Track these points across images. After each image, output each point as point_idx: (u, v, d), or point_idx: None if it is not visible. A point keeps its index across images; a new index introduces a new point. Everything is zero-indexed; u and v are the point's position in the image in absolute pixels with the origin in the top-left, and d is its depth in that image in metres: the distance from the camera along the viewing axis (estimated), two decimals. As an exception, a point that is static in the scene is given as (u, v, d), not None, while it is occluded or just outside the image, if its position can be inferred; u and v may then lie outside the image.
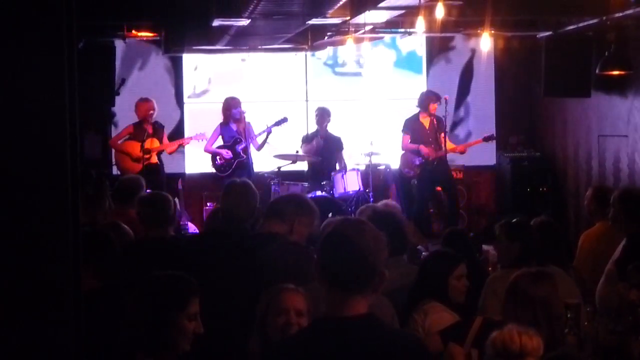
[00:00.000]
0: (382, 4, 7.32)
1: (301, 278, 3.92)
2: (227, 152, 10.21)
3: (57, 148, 2.33)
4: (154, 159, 10.17)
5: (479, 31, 9.27)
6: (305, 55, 11.60)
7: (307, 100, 11.85)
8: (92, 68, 9.29)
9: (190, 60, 11.63)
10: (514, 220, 5.47)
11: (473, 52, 11.89)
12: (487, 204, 12.00)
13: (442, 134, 10.37)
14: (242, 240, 4.88)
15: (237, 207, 4.99)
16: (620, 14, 8.54)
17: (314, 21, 8.03)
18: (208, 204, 10.96)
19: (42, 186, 2.32)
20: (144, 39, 10.56)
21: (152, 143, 10.07)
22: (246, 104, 10.42)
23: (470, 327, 4.02)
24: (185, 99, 11.71)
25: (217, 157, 10.33)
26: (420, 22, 7.51)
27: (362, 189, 10.41)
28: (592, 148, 10.43)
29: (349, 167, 10.67)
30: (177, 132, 11.37)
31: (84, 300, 2.38)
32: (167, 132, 10.67)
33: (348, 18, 8.24)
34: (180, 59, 11.52)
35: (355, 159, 10.96)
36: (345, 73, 12.18)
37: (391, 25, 9.90)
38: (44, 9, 2.32)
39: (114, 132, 10.99)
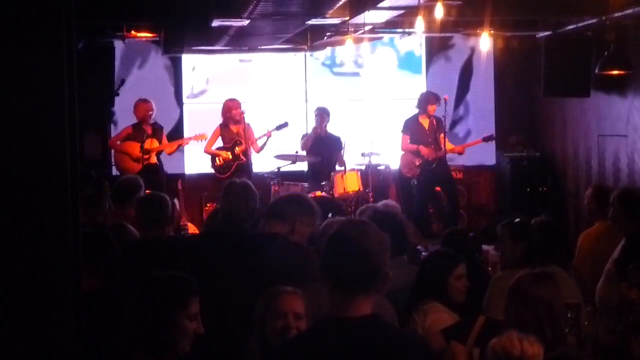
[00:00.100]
0: (381, 4, 7.33)
1: (302, 278, 3.92)
2: (226, 154, 10.23)
3: (57, 148, 2.33)
4: (154, 159, 10.17)
5: (478, 31, 9.27)
6: (305, 55, 11.60)
7: (306, 101, 11.85)
8: (92, 68, 9.29)
9: (189, 61, 11.63)
10: (515, 220, 5.47)
11: (472, 51, 11.89)
12: (487, 204, 12.00)
13: (442, 135, 10.37)
14: (242, 241, 4.87)
15: (236, 208, 4.99)
16: (620, 14, 8.54)
17: (314, 21, 8.03)
18: (208, 205, 10.96)
19: (41, 186, 2.32)
20: (144, 39, 10.56)
21: (152, 143, 10.07)
22: (245, 105, 10.41)
23: (473, 326, 4.03)
24: (184, 100, 11.70)
25: (217, 158, 10.33)
26: (420, 22, 7.51)
27: (361, 189, 10.40)
28: (592, 148, 10.44)
29: (348, 168, 10.66)
30: (177, 133, 11.36)
31: (84, 300, 2.38)
32: (166, 132, 10.66)
33: (347, 18, 8.24)
34: (180, 59, 11.52)
35: (354, 159, 10.96)
36: (345, 73, 12.18)
37: (390, 26, 9.91)
38: (43, 9, 2.32)
39: (114, 133, 10.98)
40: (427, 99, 10.39)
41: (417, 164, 10.45)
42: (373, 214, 5.27)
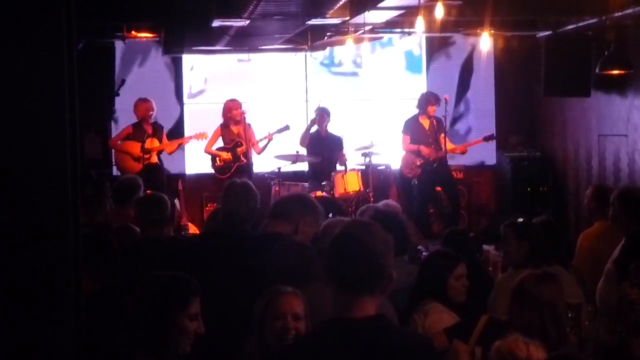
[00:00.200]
0: (381, 4, 7.32)
1: (307, 278, 3.93)
2: (227, 154, 10.23)
3: (57, 148, 2.33)
4: (154, 159, 10.17)
5: (478, 31, 9.27)
6: (305, 55, 11.60)
7: (307, 101, 11.84)
8: (92, 69, 9.29)
9: (189, 61, 11.62)
10: (519, 220, 5.48)
11: (472, 51, 11.89)
12: (488, 203, 11.99)
13: (442, 135, 10.38)
14: (244, 241, 4.87)
15: (237, 208, 4.98)
16: (620, 14, 8.54)
17: (314, 21, 8.03)
18: (208, 205, 10.96)
19: (42, 187, 2.32)
20: (144, 39, 10.56)
21: (152, 143, 10.07)
22: (245, 105, 10.41)
23: (475, 325, 4.03)
24: (185, 99, 11.70)
25: (217, 159, 10.33)
26: (420, 22, 7.51)
27: (362, 189, 10.40)
28: (592, 147, 10.43)
29: (349, 168, 10.66)
30: (177, 132, 11.36)
31: (84, 301, 2.38)
32: (167, 132, 10.67)
33: (347, 18, 8.24)
34: (180, 59, 11.52)
35: (355, 159, 10.96)
36: (345, 73, 12.18)
37: (391, 26, 9.90)
38: (43, 10, 2.32)
39: (114, 133, 10.97)
40: (427, 100, 10.39)
41: (418, 164, 10.45)
42: (374, 213, 5.27)
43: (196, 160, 11.29)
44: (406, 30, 10.17)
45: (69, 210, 2.33)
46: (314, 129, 10.91)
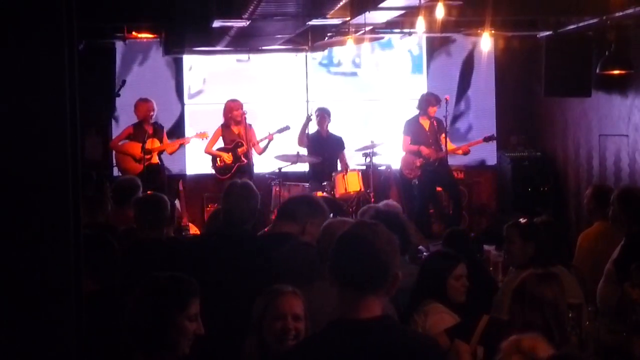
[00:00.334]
0: (382, 5, 7.32)
1: (314, 278, 3.94)
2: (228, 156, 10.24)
3: (58, 149, 2.33)
4: (155, 159, 10.18)
5: (479, 31, 9.27)
6: (306, 56, 11.59)
7: (307, 101, 11.84)
8: (93, 69, 9.29)
9: (189, 61, 11.62)
10: (522, 220, 5.49)
11: (473, 52, 11.88)
12: (488, 203, 11.99)
13: (443, 135, 10.38)
14: (244, 241, 4.88)
15: (237, 209, 4.98)
16: (621, 14, 8.54)
17: (314, 22, 8.03)
18: (209, 205, 10.96)
19: (43, 187, 2.32)
20: (144, 40, 10.56)
21: (153, 143, 10.07)
22: (246, 105, 10.41)
23: (476, 325, 4.02)
24: (185, 100, 11.70)
25: (217, 159, 10.33)
26: (421, 23, 7.51)
27: (363, 189, 10.40)
28: (593, 148, 10.43)
29: (349, 168, 10.66)
30: (178, 132, 11.37)
31: (84, 301, 2.38)
32: (167, 132, 10.68)
33: (348, 19, 8.23)
34: (181, 59, 11.52)
35: (355, 159, 10.96)
36: (344, 73, 12.17)
37: (391, 26, 9.90)
38: (44, 11, 2.32)
39: (115, 133, 10.97)
40: (428, 100, 10.40)
41: (418, 164, 10.46)
42: (375, 214, 5.27)
43: (197, 161, 11.29)
44: (407, 30, 10.16)
45: (69, 211, 2.34)
46: (315, 129, 10.92)
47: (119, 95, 9.89)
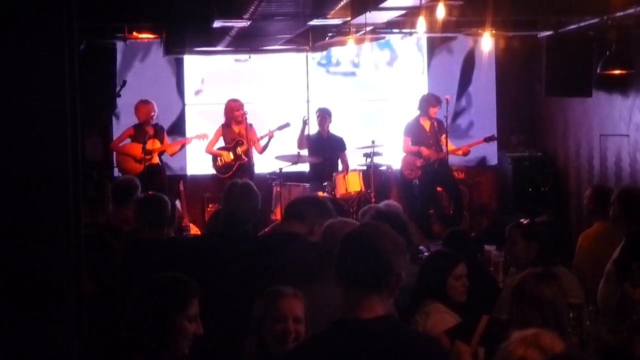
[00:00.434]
0: (382, 5, 7.31)
1: (314, 278, 3.95)
2: (228, 154, 10.24)
3: (59, 150, 2.33)
4: (155, 160, 10.18)
5: (479, 31, 9.27)
6: (307, 56, 11.60)
7: (308, 101, 11.84)
8: (93, 70, 9.29)
9: (190, 61, 11.62)
10: (523, 220, 5.49)
11: (473, 52, 11.88)
12: (489, 203, 11.99)
13: (444, 136, 10.38)
14: (246, 242, 4.88)
15: (238, 209, 4.98)
16: (622, 13, 8.53)
17: (315, 22, 8.02)
18: (210, 206, 10.96)
19: (43, 188, 2.32)
20: (145, 40, 10.56)
21: (154, 144, 10.08)
22: (247, 105, 10.41)
23: (476, 326, 4.02)
24: (186, 100, 11.70)
25: (218, 159, 10.34)
26: (421, 23, 7.51)
27: (363, 189, 10.40)
28: (594, 147, 10.43)
29: (350, 168, 10.66)
30: (179, 133, 11.38)
31: (85, 302, 2.38)
32: (168, 132, 10.69)
33: (349, 19, 8.23)
34: (182, 59, 11.51)
35: (356, 159, 10.96)
36: (344, 73, 12.16)
37: (392, 26, 9.90)
38: (44, 11, 2.32)
39: (116, 134, 10.98)
40: (429, 101, 10.41)
41: (419, 165, 10.47)
42: (375, 214, 5.27)
43: (197, 161, 11.29)
44: (407, 30, 10.16)
45: (70, 211, 2.34)
46: (315, 129, 10.92)
47: (119, 96, 9.90)
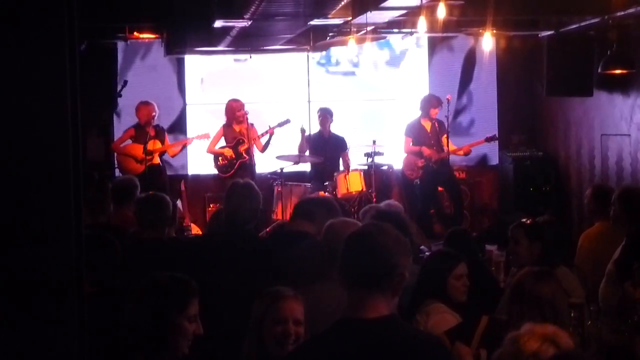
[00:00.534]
0: (383, 5, 7.31)
1: (317, 277, 3.95)
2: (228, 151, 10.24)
3: (59, 150, 2.33)
4: (156, 160, 10.19)
5: (480, 31, 9.26)
6: (307, 56, 11.60)
7: (309, 101, 11.84)
8: (94, 70, 9.29)
9: (191, 61, 11.62)
10: (525, 220, 5.49)
11: (474, 51, 11.88)
12: (490, 203, 11.99)
13: (445, 136, 10.39)
14: (247, 241, 4.89)
15: (239, 209, 4.99)
16: (622, 13, 8.53)
17: (316, 22, 8.03)
18: (211, 205, 10.96)
19: (44, 188, 2.32)
20: (146, 40, 10.57)
21: (154, 145, 10.09)
22: (248, 105, 10.42)
23: (476, 327, 4.01)
24: (187, 100, 11.71)
25: (219, 158, 10.34)
26: (422, 22, 7.50)
27: (364, 189, 10.40)
28: (595, 147, 10.42)
29: (351, 167, 10.66)
30: (180, 133, 11.38)
31: (86, 302, 2.38)
32: (169, 132, 10.70)
33: (350, 19, 8.24)
34: (183, 59, 11.51)
35: (357, 159, 10.96)
36: (344, 72, 12.16)
37: (393, 26, 9.90)
38: (45, 11, 2.32)
39: (117, 134, 10.98)
40: (430, 102, 10.42)
41: (420, 165, 10.47)
42: (376, 214, 5.27)
43: (199, 161, 11.30)
44: (408, 30, 10.16)
45: (71, 212, 2.33)
46: (317, 129, 10.93)
47: (120, 96, 9.91)
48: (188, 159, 11.53)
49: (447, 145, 10.35)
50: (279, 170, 10.37)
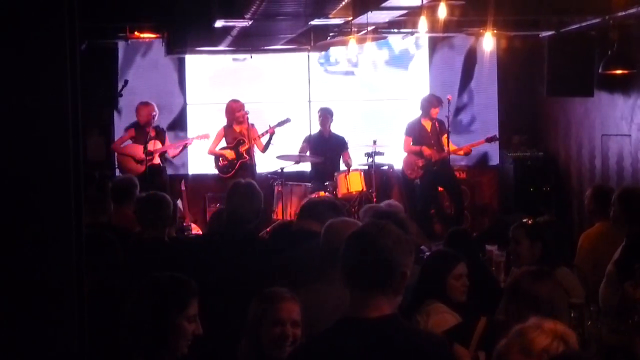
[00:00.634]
0: (384, 5, 7.31)
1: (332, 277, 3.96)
2: (230, 153, 10.24)
3: (60, 150, 2.33)
4: (157, 161, 10.20)
5: (481, 31, 9.26)
6: (308, 56, 11.60)
7: (309, 101, 11.84)
8: (95, 70, 9.30)
9: (192, 61, 11.62)
10: (527, 220, 5.49)
11: (475, 51, 11.88)
12: (490, 203, 11.99)
13: (445, 136, 10.39)
14: (248, 241, 4.89)
15: (241, 208, 4.99)
16: (623, 13, 8.52)
17: (317, 22, 8.03)
18: (211, 205, 10.96)
19: (44, 187, 2.32)
20: (147, 40, 10.57)
21: (155, 145, 10.09)
22: (248, 105, 10.42)
23: (475, 328, 3.99)
24: (188, 99, 11.71)
25: (220, 159, 10.35)
26: (423, 22, 7.50)
27: (365, 189, 10.40)
28: (596, 147, 10.42)
29: (352, 167, 10.65)
30: (181, 132, 11.38)
31: (86, 302, 2.38)
32: (170, 132, 10.70)
33: (350, 18, 8.23)
34: (183, 59, 11.52)
35: (358, 159, 10.96)
36: (344, 72, 12.15)
37: (393, 26, 9.90)
38: (46, 11, 2.32)
39: (117, 134, 10.99)
40: (430, 102, 10.42)
41: (420, 165, 10.47)
42: (374, 214, 5.27)
43: (199, 161, 11.30)
44: (409, 30, 10.16)
45: (71, 211, 2.34)
46: (317, 129, 10.93)
47: (121, 95, 9.91)
48: (188, 158, 11.53)
49: (448, 145, 10.35)
50: (279, 170, 10.37)
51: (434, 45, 12.00)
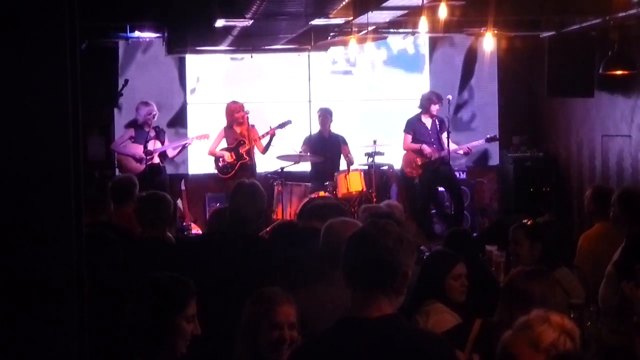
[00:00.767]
0: (384, 5, 7.32)
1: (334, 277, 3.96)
2: (230, 155, 10.24)
3: (60, 149, 2.33)
4: (156, 160, 10.20)
5: (481, 31, 9.26)
6: (308, 55, 11.60)
7: (310, 101, 11.84)
8: (95, 69, 9.30)
9: (192, 61, 11.62)
10: (526, 221, 5.49)
11: (475, 51, 11.88)
12: (490, 204, 11.99)
13: (445, 135, 10.38)
14: (250, 241, 4.89)
15: (244, 208, 4.98)
16: (624, 14, 8.53)
17: (317, 21, 8.03)
18: (211, 205, 10.96)
19: (44, 187, 2.32)
20: (147, 39, 10.58)
21: (154, 145, 10.09)
22: (249, 105, 10.42)
23: (470, 330, 3.98)
24: (188, 98, 11.71)
25: (220, 159, 10.35)
26: (423, 22, 7.50)
27: (365, 189, 10.40)
28: (596, 148, 10.42)
29: (353, 163, 10.63)
30: (181, 132, 11.39)
31: (86, 302, 2.38)
32: (170, 132, 10.71)
33: (351, 18, 8.24)
34: (184, 59, 11.52)
35: (358, 159, 10.95)
36: (344, 72, 12.15)
37: (394, 26, 9.90)
38: (46, 11, 2.32)
39: (117, 133, 10.99)
40: (430, 99, 10.41)
41: (419, 162, 10.47)
42: (369, 215, 5.28)
43: (199, 161, 11.30)
44: (409, 30, 10.16)
45: (71, 211, 2.34)
46: (317, 129, 10.93)
47: (121, 95, 9.91)
48: (188, 159, 11.53)
49: (448, 144, 10.34)
50: (279, 170, 10.37)
51: (434, 44, 12.00)
